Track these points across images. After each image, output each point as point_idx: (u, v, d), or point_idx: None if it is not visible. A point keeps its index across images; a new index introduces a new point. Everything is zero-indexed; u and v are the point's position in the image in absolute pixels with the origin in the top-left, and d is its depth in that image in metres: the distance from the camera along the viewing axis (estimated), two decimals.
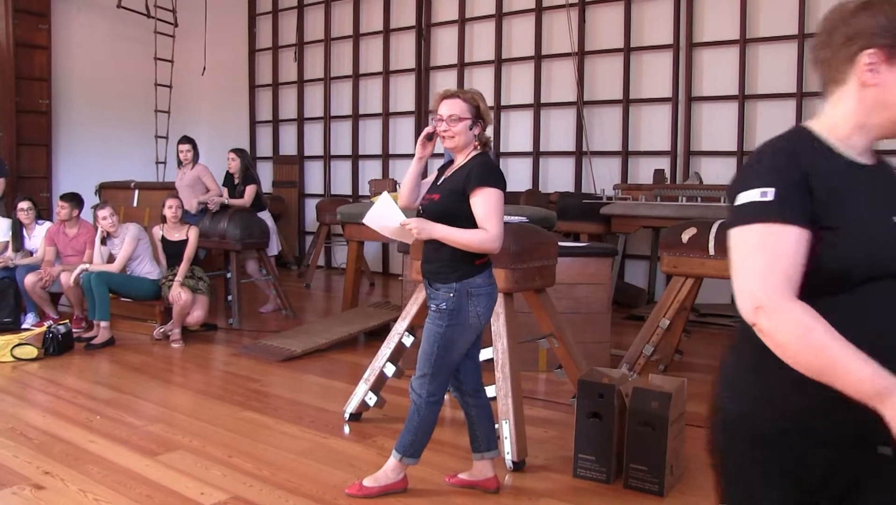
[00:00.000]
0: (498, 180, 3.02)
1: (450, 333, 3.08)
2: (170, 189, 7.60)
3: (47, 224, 7.19)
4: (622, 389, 3.41)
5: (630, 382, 3.49)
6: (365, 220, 3.21)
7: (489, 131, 3.23)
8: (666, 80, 8.16)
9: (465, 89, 3.18)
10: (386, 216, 3.12)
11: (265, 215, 7.57)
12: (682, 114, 8.06)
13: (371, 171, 10.66)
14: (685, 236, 4.57)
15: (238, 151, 7.58)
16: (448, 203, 3.05)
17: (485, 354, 3.86)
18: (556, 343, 4.14)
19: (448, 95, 3.14)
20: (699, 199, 7.09)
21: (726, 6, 7.79)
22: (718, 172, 7.80)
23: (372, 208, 3.18)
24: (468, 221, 3.00)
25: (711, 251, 4.44)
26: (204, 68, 11.46)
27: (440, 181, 3.19)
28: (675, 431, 3.27)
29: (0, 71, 9.76)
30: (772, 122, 7.58)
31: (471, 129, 3.10)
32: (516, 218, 4.11)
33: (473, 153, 3.12)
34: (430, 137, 3.18)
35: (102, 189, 9.06)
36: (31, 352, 5.74)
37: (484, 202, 2.97)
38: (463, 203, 3.01)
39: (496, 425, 3.60)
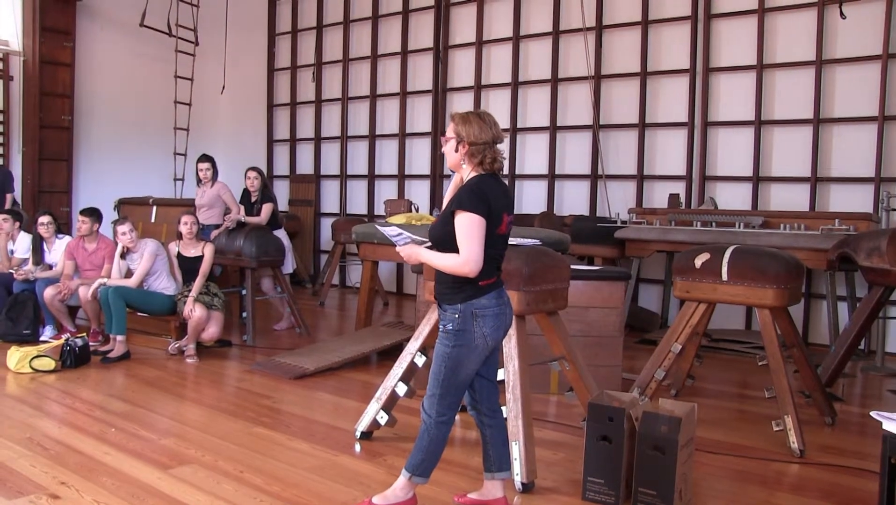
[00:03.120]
0: (475, 204, 2.99)
1: (456, 354, 3.10)
2: (188, 206, 7.69)
3: (67, 238, 7.27)
4: (632, 412, 3.42)
5: (640, 406, 3.50)
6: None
7: (498, 152, 3.18)
8: (682, 105, 8.20)
9: (460, 112, 3.21)
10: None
11: (281, 233, 7.63)
12: (697, 139, 8.09)
13: (387, 191, 10.73)
14: (698, 261, 4.57)
15: (257, 170, 7.65)
16: (440, 227, 3.11)
17: (497, 376, 3.89)
18: (568, 366, 4.16)
19: (451, 116, 3.23)
20: (714, 224, 7.10)
21: (743, 32, 7.84)
22: (733, 198, 7.83)
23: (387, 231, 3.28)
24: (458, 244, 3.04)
25: (724, 277, 4.44)
26: (223, 87, 11.60)
27: None
28: (684, 456, 3.28)
29: (25, 87, 9.97)
30: (788, 148, 7.63)
31: (456, 149, 3.13)
32: (529, 241, 4.14)
33: (472, 174, 3.14)
34: None
35: (121, 204, 9.17)
36: (48, 364, 5.81)
37: (460, 226, 3.00)
38: (450, 226, 3.04)
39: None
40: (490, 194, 3.05)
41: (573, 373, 4.16)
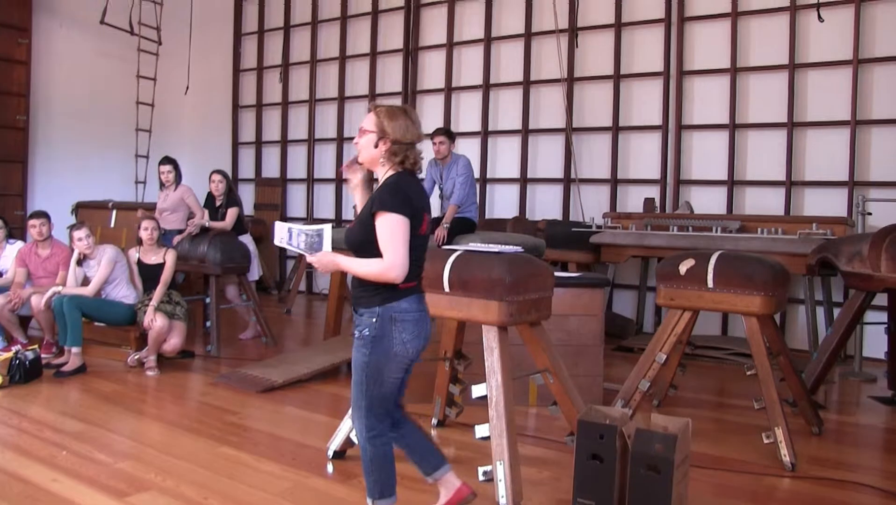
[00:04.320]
0: (399, 204, 2.80)
1: (374, 362, 2.88)
2: (149, 210, 7.39)
3: (19, 244, 6.96)
4: (624, 430, 3.23)
5: (632, 423, 3.31)
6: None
7: (416, 149, 2.97)
8: (656, 108, 8.08)
9: (384, 104, 2.99)
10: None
11: (247, 239, 7.37)
12: (672, 142, 7.98)
13: None
14: (683, 268, 4.41)
15: (223, 173, 7.39)
16: (358, 231, 2.88)
17: (478, 391, 3.69)
18: (552, 379, 3.96)
19: (369, 108, 2.99)
20: (690, 228, 6.98)
21: (717, 35, 7.76)
22: (708, 202, 7.72)
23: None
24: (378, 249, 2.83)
25: (710, 284, 4.28)
26: (187, 87, 11.29)
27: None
28: (679, 475, 3.09)
29: None
30: (762, 151, 7.56)
31: (376, 145, 2.90)
32: (510, 248, 3.94)
33: (389, 173, 2.93)
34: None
35: (79, 208, 8.84)
36: None
37: (383, 228, 2.79)
38: (371, 229, 2.82)
39: (489, 467, 3.42)
40: (411, 193, 2.86)
41: (557, 386, 3.97)
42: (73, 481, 3.74)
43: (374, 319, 2.85)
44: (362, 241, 2.84)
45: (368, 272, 2.82)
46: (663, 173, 8.03)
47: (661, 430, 3.24)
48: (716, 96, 7.77)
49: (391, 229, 2.78)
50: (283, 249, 10.96)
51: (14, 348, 6.07)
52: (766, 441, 4.16)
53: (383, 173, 2.93)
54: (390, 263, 2.77)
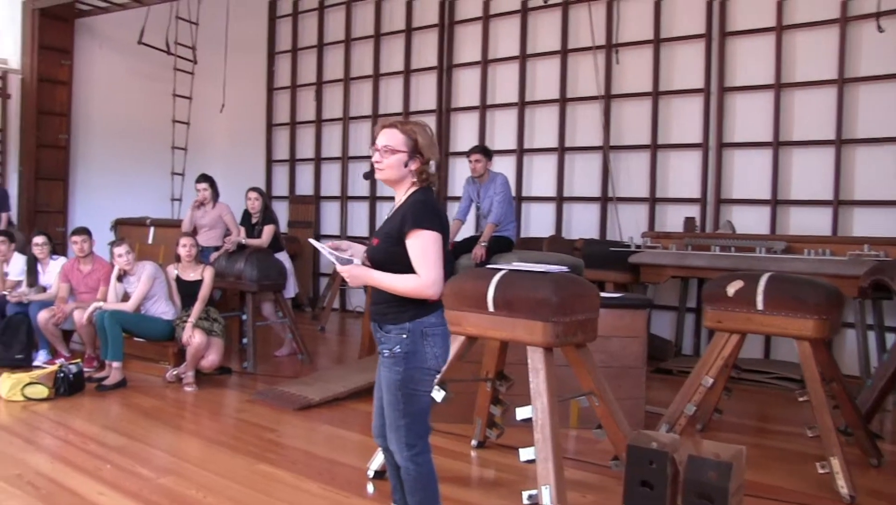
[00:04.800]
0: (434, 221, 2.79)
1: (409, 378, 2.83)
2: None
3: (62, 259, 7.04)
4: (676, 456, 3.15)
5: (683, 449, 3.23)
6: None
7: (434, 167, 2.98)
8: (696, 126, 7.97)
9: (408, 121, 2.96)
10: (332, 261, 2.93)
11: (283, 256, 7.37)
12: (712, 160, 7.86)
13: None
14: (731, 289, 4.32)
15: (259, 191, 7.42)
16: (386, 248, 2.85)
17: (523, 414, 3.63)
18: (597, 402, 3.89)
19: (387, 125, 2.94)
20: (733, 249, 6.85)
21: (761, 50, 7.60)
22: (751, 221, 7.57)
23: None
24: (408, 266, 2.79)
25: (760, 306, 4.18)
26: (222, 105, 11.36)
27: (383, 222, 2.99)
28: (734, 504, 3.00)
29: (23, 105, 9.79)
30: (808, 169, 7.38)
31: (406, 164, 2.87)
32: (556, 267, 3.88)
33: (412, 190, 2.90)
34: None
35: (118, 225, 8.91)
36: (41, 392, 5.56)
37: (418, 245, 2.77)
38: (400, 247, 2.80)
39: (534, 491, 3.35)
40: (440, 210, 2.90)
41: (603, 409, 3.90)
42: (117, 495, 3.77)
43: (404, 336, 2.82)
44: (391, 259, 2.82)
45: (405, 288, 2.78)
46: (703, 192, 7.92)
47: (713, 456, 3.15)
48: (759, 113, 7.62)
49: (427, 246, 2.76)
50: (316, 267, 11.01)
51: (58, 362, 6.15)
52: (820, 471, 4.00)
53: (405, 191, 2.91)
54: (431, 280, 2.75)
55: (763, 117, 7.58)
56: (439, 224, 2.81)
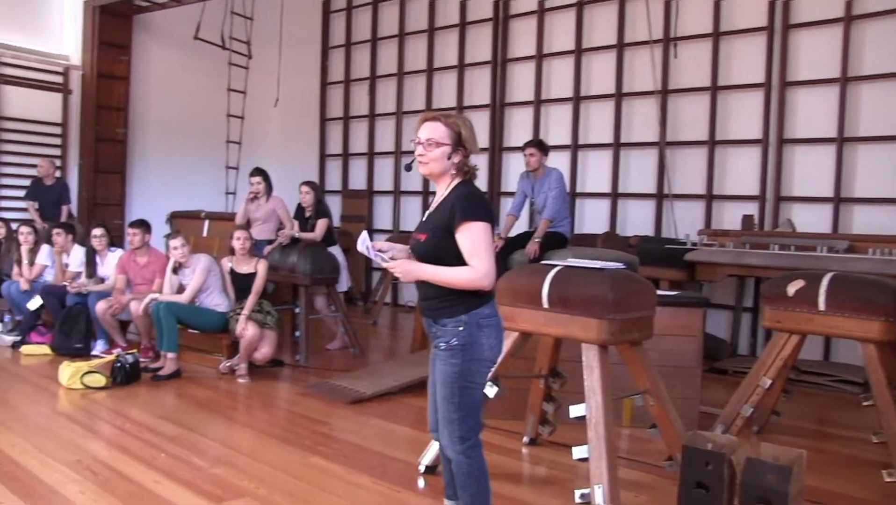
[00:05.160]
0: (483, 212, 2.79)
1: (466, 371, 2.81)
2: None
3: (119, 251, 7.17)
4: (733, 458, 3.07)
5: (741, 451, 3.14)
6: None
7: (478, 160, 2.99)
8: (756, 121, 7.79)
9: (450, 113, 2.93)
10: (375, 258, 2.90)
11: (336, 250, 7.40)
12: (772, 156, 7.68)
13: None
14: (791, 289, 4.21)
15: (312, 184, 7.45)
16: (434, 242, 2.82)
17: (576, 411, 3.58)
18: (652, 400, 3.82)
19: (429, 118, 2.90)
20: (793, 247, 6.68)
21: (826, 42, 7.37)
22: (812, 220, 7.37)
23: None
24: (457, 259, 2.77)
25: (822, 306, 4.07)
26: (276, 100, 11.45)
27: (426, 217, 2.96)
28: None
29: (83, 100, 10.02)
30: (873, 166, 7.15)
31: (449, 157, 2.84)
32: (613, 264, 3.82)
33: (455, 182, 2.87)
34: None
35: (174, 218, 9.04)
36: (99, 380, 5.66)
37: (470, 237, 2.74)
38: (449, 240, 2.77)
39: (587, 490, 3.30)
40: (487, 201, 2.91)
41: (658, 408, 3.83)
42: (172, 483, 3.81)
43: (460, 328, 2.79)
44: (441, 253, 2.79)
45: (459, 280, 2.76)
46: (762, 189, 7.74)
47: (772, 460, 3.06)
48: (823, 108, 7.39)
49: (479, 238, 2.74)
50: (369, 262, 11.01)
51: (116, 351, 6.25)
52: (887, 479, 3.86)
53: (447, 184, 2.88)
54: (484, 271, 2.73)
55: (827, 112, 7.36)
56: (488, 215, 2.81)
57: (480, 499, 2.91)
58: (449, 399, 2.84)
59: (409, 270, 2.83)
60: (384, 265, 2.87)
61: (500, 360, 3.56)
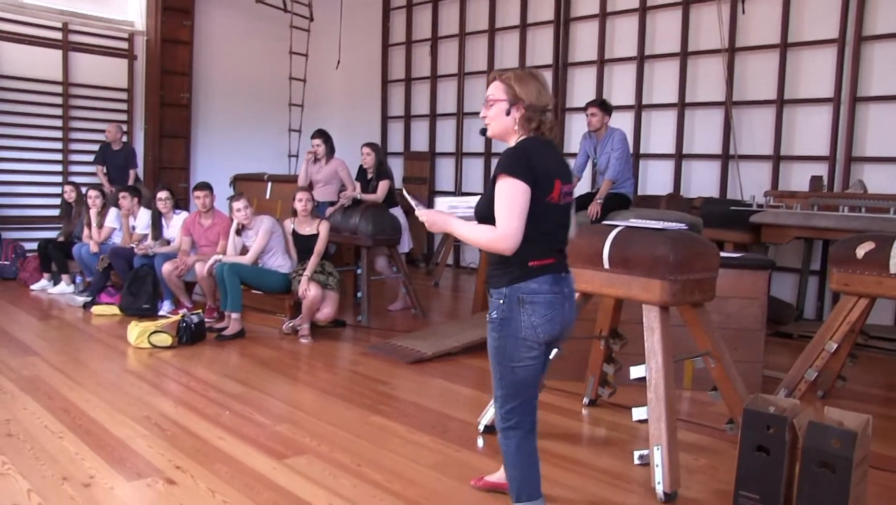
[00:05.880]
0: (520, 169, 2.53)
1: (503, 347, 2.64)
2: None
3: (184, 214, 7.31)
4: (795, 421, 3.02)
5: (803, 415, 3.09)
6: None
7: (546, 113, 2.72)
8: (828, 79, 7.53)
9: (509, 68, 2.76)
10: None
11: (397, 212, 7.42)
12: (844, 115, 7.42)
13: None
14: (860, 251, 4.10)
15: (373, 146, 7.47)
16: (484, 200, 2.67)
17: (636, 373, 3.56)
18: (714, 363, 3.77)
19: (489, 78, 2.76)
20: (863, 209, 6.48)
21: None
22: (885, 181, 7.13)
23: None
24: None
25: (892, 269, 3.95)
26: (338, 62, 11.48)
27: None
28: (858, 476, 2.86)
29: (148, 66, 10.19)
30: None
31: (508, 112, 2.68)
32: (675, 225, 3.76)
33: (520, 139, 2.69)
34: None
35: (237, 181, 9.18)
36: (165, 340, 5.80)
37: (499, 193, 2.54)
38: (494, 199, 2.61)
39: (645, 451, 3.29)
40: (536, 157, 2.60)
41: (720, 371, 3.77)
42: (236, 440, 3.89)
43: (501, 301, 2.63)
44: (486, 212, 2.63)
45: (478, 239, 2.62)
46: (833, 150, 7.50)
47: (836, 424, 3.00)
48: None
49: (507, 195, 2.53)
50: None
51: (181, 311, 6.40)
52: None
53: (514, 143, 2.72)
54: (502, 232, 2.51)
55: None
56: (529, 174, 2.54)
57: (521, 484, 2.76)
58: (493, 373, 2.73)
59: (434, 220, 2.73)
60: (417, 211, 2.79)
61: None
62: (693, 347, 3.92)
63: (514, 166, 2.55)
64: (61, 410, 4.26)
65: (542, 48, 9.98)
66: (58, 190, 9.07)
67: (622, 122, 8.42)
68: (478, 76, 10.69)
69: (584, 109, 6.86)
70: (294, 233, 6.50)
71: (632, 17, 9.04)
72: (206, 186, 6.96)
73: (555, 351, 3.40)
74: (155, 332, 5.81)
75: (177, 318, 6.08)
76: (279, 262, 6.47)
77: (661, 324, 3.44)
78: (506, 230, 2.51)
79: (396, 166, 11.34)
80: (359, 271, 7.12)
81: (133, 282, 6.91)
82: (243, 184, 9.00)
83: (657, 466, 3.28)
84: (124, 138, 9.60)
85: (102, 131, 9.42)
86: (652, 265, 3.43)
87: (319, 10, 11.27)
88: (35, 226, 9.32)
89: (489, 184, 2.65)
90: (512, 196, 2.53)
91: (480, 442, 3.96)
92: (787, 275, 7.83)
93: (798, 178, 7.72)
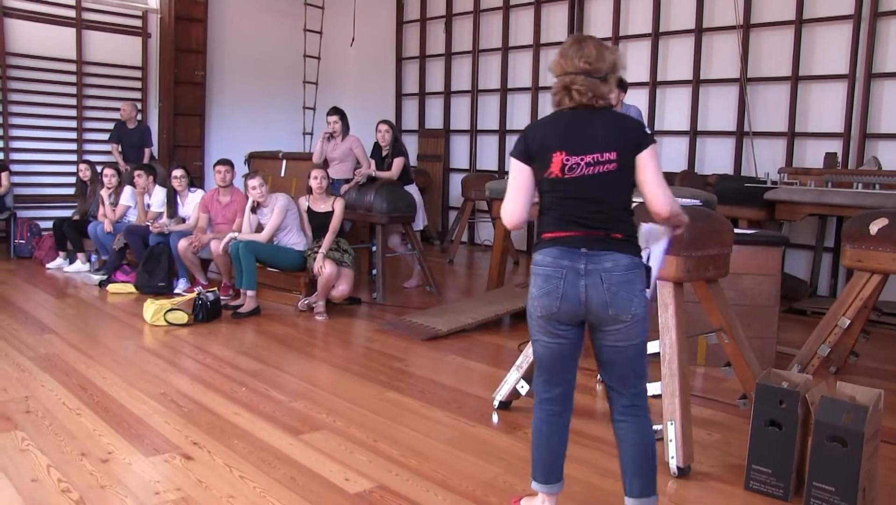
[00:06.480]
0: (516, 147, 2.58)
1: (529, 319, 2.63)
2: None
3: (200, 192, 7.35)
4: (807, 396, 3.04)
5: (816, 390, 3.11)
6: None
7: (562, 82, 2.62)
8: (842, 56, 7.48)
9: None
10: None
11: (412, 189, 7.43)
12: (859, 92, 7.37)
13: None
14: (874, 228, 4.10)
15: (388, 123, 7.46)
16: None
17: (650, 348, 3.57)
18: (727, 338, 3.79)
19: None
20: (878, 186, 6.46)
21: None
22: None
23: None
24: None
25: None
26: (353, 39, 11.47)
27: None
28: (869, 450, 2.88)
29: (162, 44, 10.20)
30: None
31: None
32: (688, 200, 3.78)
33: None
34: None
35: (251, 158, 9.22)
36: (181, 317, 5.85)
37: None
38: None
39: (659, 427, 3.32)
40: (532, 131, 2.57)
41: (733, 347, 3.79)
42: (252, 416, 3.94)
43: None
44: None
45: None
46: (847, 126, 7.46)
47: (849, 399, 3.03)
48: None
49: (510, 173, 2.62)
50: (445, 200, 11.07)
51: (196, 289, 6.45)
52: None
53: None
54: (502, 208, 2.61)
55: None
56: (523, 152, 2.55)
57: (534, 463, 2.76)
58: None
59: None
60: None
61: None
62: (707, 323, 3.94)
63: (515, 145, 2.62)
64: (78, 387, 4.32)
65: (556, 25, 9.94)
66: (73, 168, 9.14)
67: (637, 98, 8.39)
68: (492, 53, 10.67)
69: None
70: (309, 210, 6.53)
71: None
72: (227, 162, 6.99)
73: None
74: (171, 309, 5.87)
75: (192, 295, 6.13)
76: (294, 239, 6.51)
77: (675, 300, 3.45)
78: (504, 206, 2.60)
79: (411, 144, 11.36)
80: (374, 248, 7.15)
81: (148, 260, 6.97)
82: (258, 162, 9.03)
83: (671, 440, 3.31)
84: (139, 116, 9.64)
85: (117, 109, 9.46)
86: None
87: None
88: (50, 204, 9.41)
89: None
90: (511, 174, 2.61)
91: (495, 418, 4.01)
92: (800, 252, 7.82)
93: (812, 155, 7.69)
